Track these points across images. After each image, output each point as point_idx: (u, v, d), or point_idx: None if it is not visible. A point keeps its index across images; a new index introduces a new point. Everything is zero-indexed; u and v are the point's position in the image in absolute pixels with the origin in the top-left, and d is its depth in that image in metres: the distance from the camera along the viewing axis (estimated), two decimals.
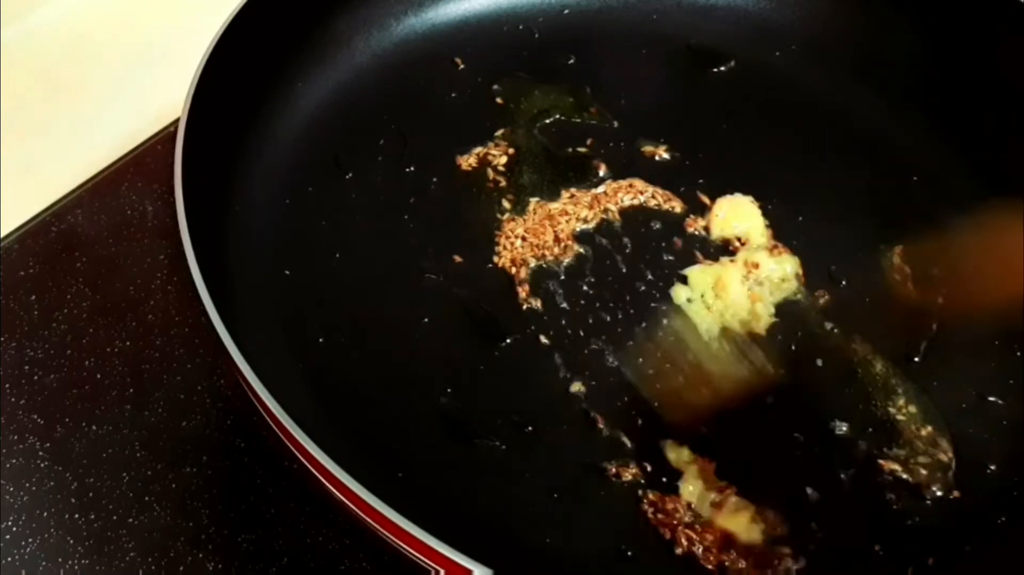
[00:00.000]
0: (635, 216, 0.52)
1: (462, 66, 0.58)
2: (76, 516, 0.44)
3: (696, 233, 0.51)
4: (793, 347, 0.47)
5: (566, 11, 0.61)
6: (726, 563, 0.41)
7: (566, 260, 0.50)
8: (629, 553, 0.41)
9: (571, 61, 0.59)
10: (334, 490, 0.34)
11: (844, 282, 0.50)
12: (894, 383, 0.46)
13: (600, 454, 0.44)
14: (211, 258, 0.39)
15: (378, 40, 0.58)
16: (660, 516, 0.42)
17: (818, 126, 0.57)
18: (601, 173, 0.54)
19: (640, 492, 0.43)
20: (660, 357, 0.47)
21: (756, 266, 0.50)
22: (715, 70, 0.59)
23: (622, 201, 0.53)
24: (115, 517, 0.44)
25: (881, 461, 0.44)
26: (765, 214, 0.52)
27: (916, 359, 0.47)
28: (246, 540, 0.44)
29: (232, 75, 0.47)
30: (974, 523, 0.42)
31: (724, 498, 0.42)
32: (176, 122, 0.44)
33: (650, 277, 0.50)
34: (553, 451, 0.44)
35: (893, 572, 0.41)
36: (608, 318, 0.48)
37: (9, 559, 0.43)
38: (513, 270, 0.50)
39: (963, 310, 0.48)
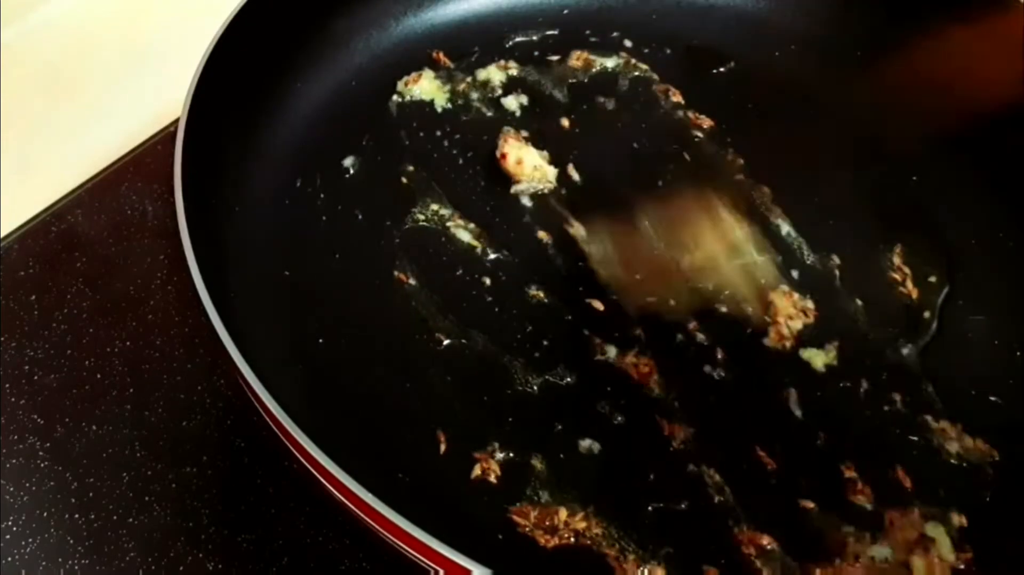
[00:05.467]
0: None
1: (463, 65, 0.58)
2: (76, 516, 0.44)
3: None
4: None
5: (566, 11, 0.61)
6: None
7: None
8: None
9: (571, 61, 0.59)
10: (334, 490, 0.34)
11: (844, 282, 0.50)
12: (893, 382, 0.46)
13: None
14: (211, 258, 0.39)
15: (378, 40, 0.58)
16: None
17: (818, 126, 0.57)
18: None
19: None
20: None
21: None
22: (715, 70, 0.59)
23: None
24: (115, 517, 0.44)
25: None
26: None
27: (916, 359, 0.47)
28: (246, 540, 0.44)
29: (232, 75, 0.47)
30: (974, 523, 0.42)
31: None
32: (176, 122, 0.44)
33: None
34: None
35: None
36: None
37: (9, 559, 0.43)
38: None
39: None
